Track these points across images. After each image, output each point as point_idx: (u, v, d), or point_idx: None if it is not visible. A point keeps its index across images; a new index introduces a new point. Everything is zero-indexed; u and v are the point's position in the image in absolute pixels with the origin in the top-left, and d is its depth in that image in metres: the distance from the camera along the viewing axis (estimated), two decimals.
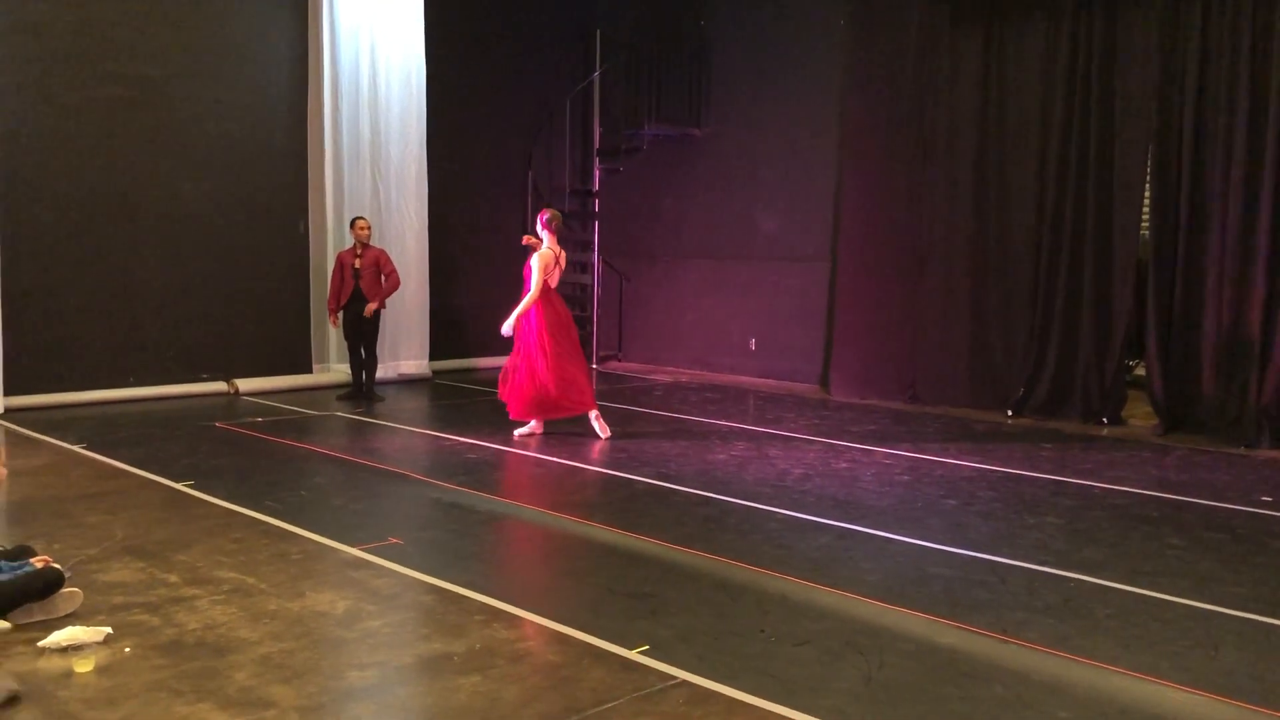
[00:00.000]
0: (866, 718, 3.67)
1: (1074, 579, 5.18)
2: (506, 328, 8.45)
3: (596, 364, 13.64)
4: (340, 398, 10.47)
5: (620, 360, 13.96)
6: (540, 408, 8.50)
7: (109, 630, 4.24)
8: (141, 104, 10.32)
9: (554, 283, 8.56)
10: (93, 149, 10.10)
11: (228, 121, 10.86)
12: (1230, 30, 8.70)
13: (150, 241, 10.44)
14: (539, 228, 8.54)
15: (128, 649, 4.15)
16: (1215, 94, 8.81)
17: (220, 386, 10.77)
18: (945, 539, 5.87)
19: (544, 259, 8.40)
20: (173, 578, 5.02)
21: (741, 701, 3.76)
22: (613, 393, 11.52)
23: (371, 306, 10.35)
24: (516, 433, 8.62)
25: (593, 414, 8.60)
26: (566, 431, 8.83)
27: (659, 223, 13.62)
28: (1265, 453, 8.32)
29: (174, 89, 10.50)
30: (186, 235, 10.65)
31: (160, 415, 9.51)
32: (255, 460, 7.75)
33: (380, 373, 10.93)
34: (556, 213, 8.64)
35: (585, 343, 13.99)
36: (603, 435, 8.54)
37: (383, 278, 10.41)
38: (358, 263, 10.36)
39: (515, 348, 8.58)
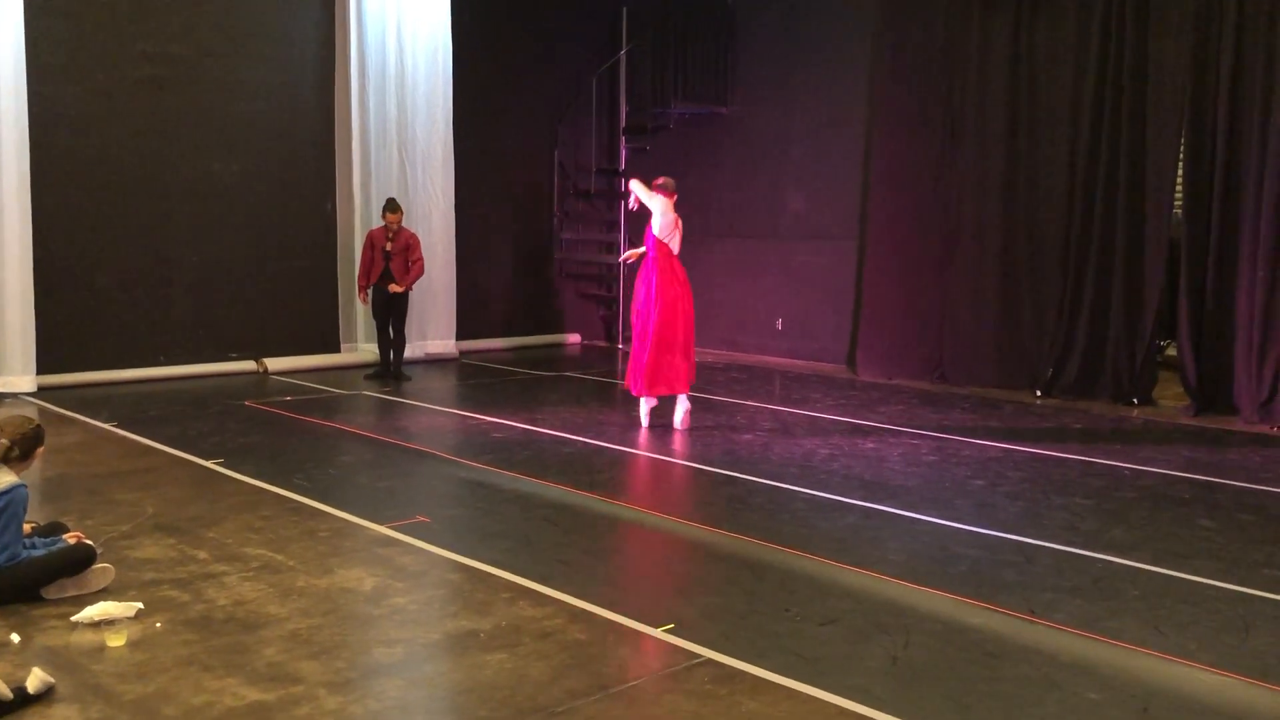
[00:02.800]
0: (892, 697, 3.66)
1: (1102, 560, 5.14)
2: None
3: (623, 344, 13.63)
4: (368, 376, 10.53)
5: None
6: (649, 379, 8.03)
7: (140, 605, 4.30)
8: (172, 84, 10.37)
9: (676, 248, 8.24)
10: (124, 129, 10.17)
11: (257, 101, 10.90)
12: (1266, 10, 8.54)
13: (180, 221, 10.52)
14: (650, 190, 8.15)
15: (159, 624, 4.20)
16: (1250, 73, 8.66)
17: (249, 365, 10.85)
18: (972, 519, 5.84)
19: (664, 221, 8.08)
20: (202, 554, 5.07)
21: (767, 680, 3.76)
22: None
23: (396, 287, 10.43)
24: (644, 415, 8.16)
25: (681, 398, 8.16)
26: (592, 414, 8.83)
27: (685, 202, 13.36)
28: None
29: (204, 69, 10.55)
30: (216, 215, 10.72)
31: (190, 394, 9.59)
32: (284, 439, 7.81)
33: (408, 352, 10.94)
34: (669, 179, 8.33)
35: (610, 324, 14.03)
36: (678, 425, 8.11)
37: (410, 263, 10.47)
38: (389, 245, 10.42)
39: (640, 314, 8.20)
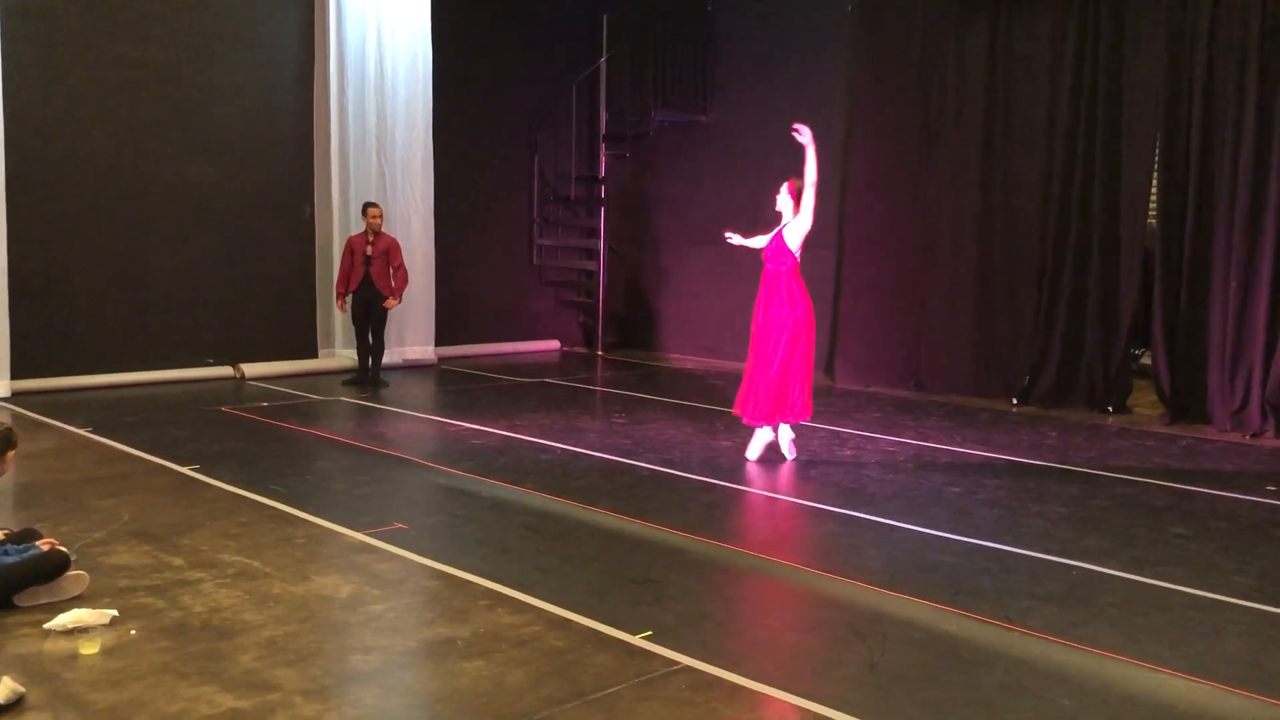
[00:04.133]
0: (869, 704, 3.67)
1: (1077, 567, 5.18)
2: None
3: (603, 351, 13.65)
4: (346, 382, 10.48)
5: (626, 347, 13.95)
6: (775, 406, 7.24)
7: (114, 613, 4.27)
8: (149, 87, 10.32)
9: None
10: (100, 132, 10.11)
11: (234, 105, 10.86)
12: (1240, 20, 8.65)
13: (157, 225, 10.46)
14: (786, 196, 7.26)
15: (133, 631, 4.17)
16: (1223, 84, 8.76)
17: (226, 371, 10.79)
18: (949, 526, 5.87)
19: (802, 229, 7.20)
20: (178, 561, 5.04)
21: (744, 687, 3.77)
22: (619, 379, 11.54)
23: (392, 302, 10.40)
24: (758, 447, 7.33)
25: (782, 429, 7.35)
26: (571, 421, 8.84)
27: (665, 209, 13.60)
28: (1270, 442, 8.31)
29: (181, 72, 10.51)
30: (193, 219, 10.67)
31: (166, 399, 9.53)
32: (261, 445, 7.77)
33: (386, 358, 10.87)
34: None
35: (590, 330, 14.03)
36: (789, 455, 7.31)
37: (392, 270, 10.38)
38: (370, 249, 10.33)
39: (760, 343, 7.28)
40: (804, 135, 7.18)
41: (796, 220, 7.20)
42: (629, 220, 13.82)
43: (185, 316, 10.65)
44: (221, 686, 3.70)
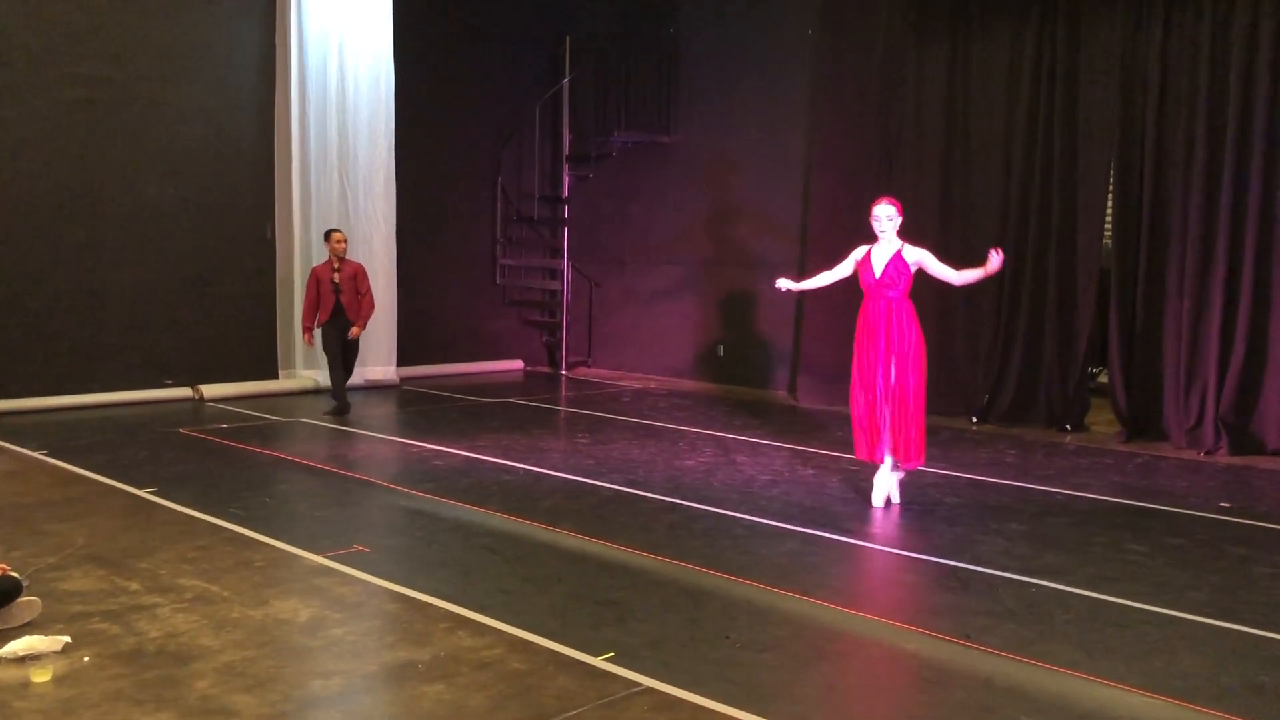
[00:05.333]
0: None
1: (1036, 584, 5.23)
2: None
3: (566, 370, 13.64)
4: (327, 413, 9.99)
5: (590, 366, 13.96)
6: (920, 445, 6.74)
7: (68, 639, 4.20)
8: (107, 106, 10.23)
9: None
10: (57, 151, 10.00)
11: (194, 124, 10.78)
12: (1189, 46, 8.83)
13: (114, 245, 10.35)
14: (895, 215, 6.69)
15: (86, 658, 4.11)
16: (1175, 109, 8.94)
17: (185, 392, 10.67)
18: (910, 545, 5.91)
19: (924, 254, 6.70)
20: (134, 585, 4.97)
21: (706, 708, 3.77)
22: (583, 399, 11.53)
23: (356, 330, 10.07)
24: (892, 494, 6.74)
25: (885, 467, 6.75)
26: (534, 441, 8.83)
27: (629, 229, 13.64)
28: (1224, 459, 8.44)
29: (140, 91, 10.42)
30: (151, 239, 10.57)
31: (123, 421, 9.41)
32: (220, 467, 7.69)
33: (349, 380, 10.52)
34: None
35: (554, 350, 14.03)
36: (876, 500, 6.73)
37: (359, 297, 10.06)
38: (337, 277, 9.97)
39: (890, 374, 6.59)
40: (994, 262, 6.62)
41: (915, 248, 6.66)
42: (592, 240, 13.84)
43: (143, 337, 10.53)
44: (178, 713, 3.65)
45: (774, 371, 12.01)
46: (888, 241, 6.68)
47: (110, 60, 10.23)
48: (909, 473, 6.93)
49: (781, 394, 11.73)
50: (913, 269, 6.66)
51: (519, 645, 4.32)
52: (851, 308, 10.75)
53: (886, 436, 6.65)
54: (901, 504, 6.79)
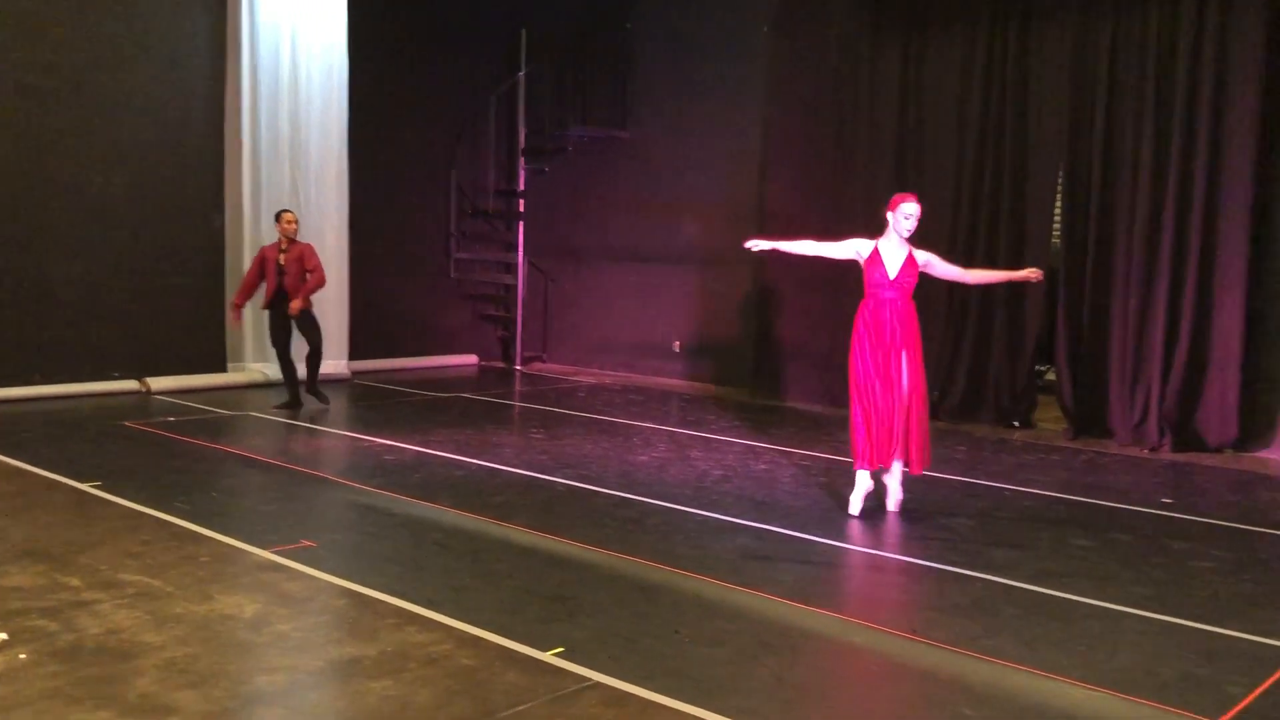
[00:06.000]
0: (778, 716, 3.70)
1: (982, 579, 5.28)
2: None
3: (521, 365, 13.60)
4: (277, 407, 9.81)
5: (545, 361, 13.93)
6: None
7: (4, 636, 4.12)
8: (52, 94, 10.04)
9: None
10: (1, 139, 9.79)
11: (142, 114, 10.62)
12: (1138, 49, 8.97)
13: (59, 235, 10.17)
14: (918, 213, 6.35)
15: (23, 655, 4.02)
16: (1123, 110, 9.08)
17: (132, 385, 10.50)
18: (859, 540, 5.96)
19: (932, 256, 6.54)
20: (74, 581, 4.88)
21: (655, 702, 3.77)
22: (537, 394, 11.50)
23: (296, 305, 9.58)
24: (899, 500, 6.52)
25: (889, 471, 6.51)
26: (487, 436, 8.79)
27: (584, 224, 13.61)
28: (1167, 456, 8.60)
29: (87, 80, 10.24)
30: (98, 229, 10.39)
31: (68, 414, 9.24)
32: (166, 461, 7.57)
33: (302, 372, 10.05)
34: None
35: (509, 345, 13.98)
36: (891, 505, 6.55)
37: (306, 274, 9.71)
38: (283, 258, 9.63)
39: (907, 378, 6.29)
40: (1028, 274, 6.58)
41: (921, 250, 6.43)
42: (548, 234, 13.80)
43: (89, 329, 10.35)
44: (117, 711, 3.59)
45: (729, 367, 12.04)
46: (899, 241, 6.35)
47: (55, 48, 10.04)
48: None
49: (737, 389, 11.77)
50: (921, 270, 6.42)
51: (468, 641, 4.30)
52: (805, 307, 10.93)
53: (902, 439, 6.29)
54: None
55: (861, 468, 6.36)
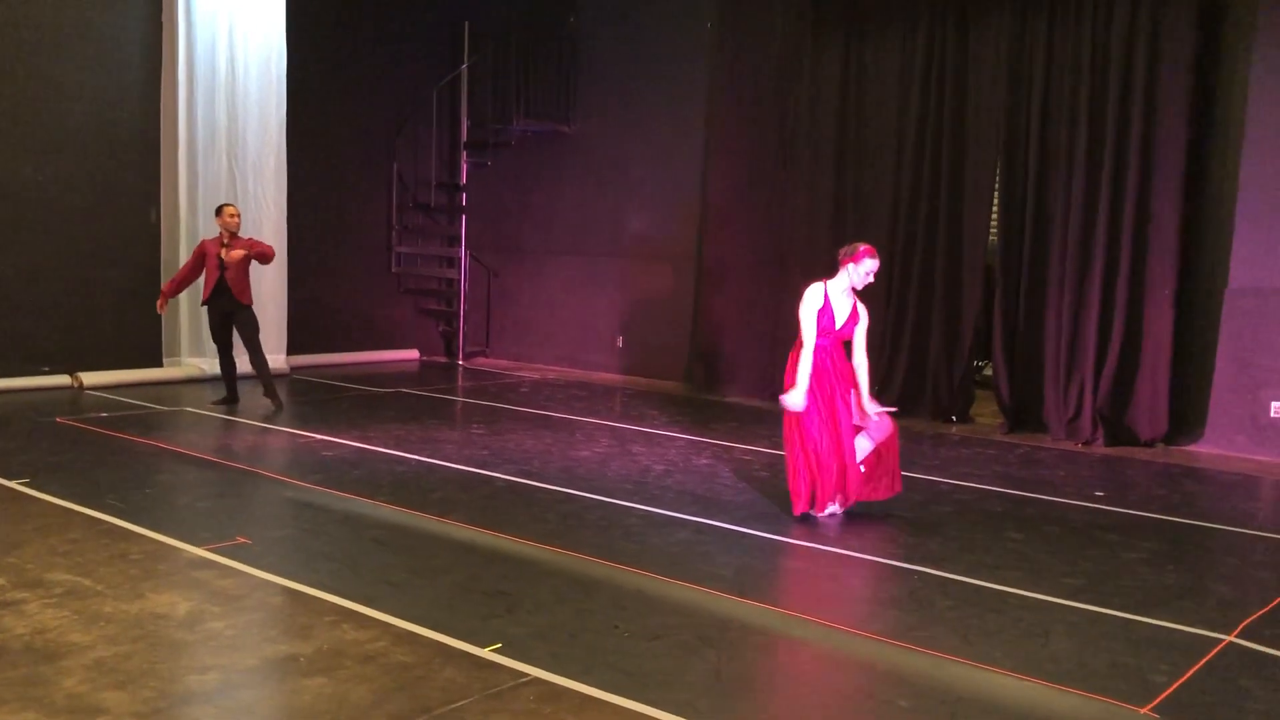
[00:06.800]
0: (714, 711, 3.72)
1: (918, 571, 5.35)
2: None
3: (463, 360, 13.52)
4: (215, 403, 9.64)
5: (487, 356, 13.86)
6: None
7: None
8: None
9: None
10: None
11: (74, 103, 10.37)
12: (1072, 46, 9.13)
13: None
14: (873, 268, 6.24)
15: None
16: (1058, 108, 9.24)
17: (64, 380, 10.27)
18: (799, 534, 6.00)
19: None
20: (0, 580, 4.77)
21: (592, 697, 3.77)
22: (479, 389, 11.44)
23: (236, 254, 9.25)
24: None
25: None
26: (428, 432, 8.73)
27: (528, 218, 13.57)
28: (1100, 450, 8.77)
29: (17, 68, 9.98)
30: (28, 220, 10.13)
31: None
32: (97, 457, 7.42)
33: (241, 367, 9.88)
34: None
35: (450, 340, 13.89)
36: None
37: (249, 262, 9.46)
38: (224, 253, 9.40)
39: (835, 419, 6.24)
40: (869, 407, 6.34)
41: (863, 308, 6.37)
42: (490, 229, 13.73)
43: (18, 322, 10.09)
44: (43, 713, 3.51)
45: (672, 362, 12.07)
46: (848, 290, 6.28)
47: None
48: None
49: (678, 384, 11.80)
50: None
51: (405, 637, 4.26)
52: (745, 302, 10.98)
53: (840, 482, 6.26)
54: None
55: (802, 510, 6.26)
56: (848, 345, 6.39)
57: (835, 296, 6.27)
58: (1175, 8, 8.66)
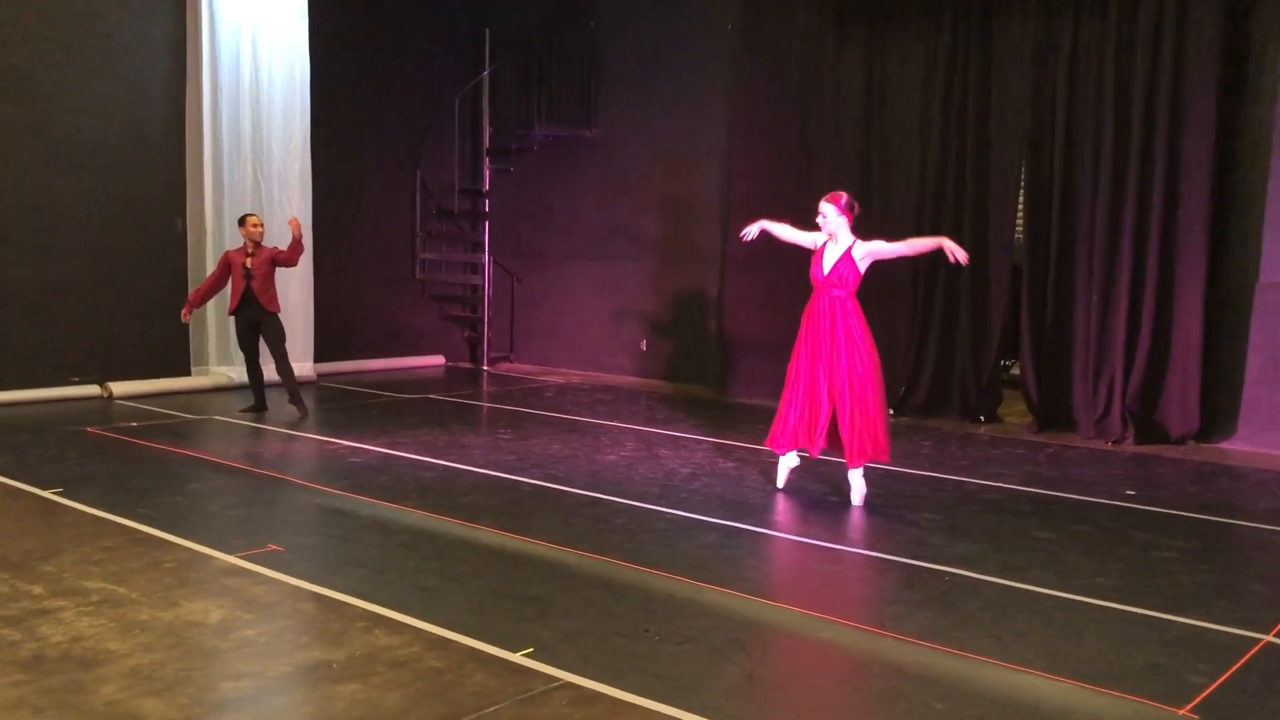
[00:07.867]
0: (746, 714, 3.72)
1: (949, 573, 5.32)
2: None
3: (488, 365, 13.56)
4: (243, 410, 9.71)
5: (512, 361, 13.90)
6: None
7: None
8: (8, 95, 9.89)
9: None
10: None
11: (101, 115, 10.48)
12: (1097, 43, 9.07)
13: (18, 238, 10.02)
14: (837, 214, 6.54)
15: None
16: (1083, 105, 9.18)
17: (93, 390, 10.37)
18: (827, 535, 5.98)
19: (875, 249, 6.58)
20: (37, 589, 4.82)
21: (625, 701, 3.77)
22: (504, 394, 11.47)
23: (295, 220, 9.52)
24: (861, 494, 6.64)
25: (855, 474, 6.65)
26: (454, 437, 8.76)
27: (550, 223, 13.59)
28: (1130, 449, 8.70)
29: (43, 80, 10.09)
30: (57, 232, 10.24)
31: (28, 420, 9.12)
32: (129, 466, 7.49)
33: (268, 376, 9.93)
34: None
35: (475, 345, 13.93)
36: (855, 499, 6.65)
37: (275, 269, 9.52)
38: (249, 263, 9.43)
39: (841, 372, 6.47)
40: (954, 251, 6.40)
41: (864, 243, 6.53)
42: (513, 234, 13.77)
43: (49, 333, 10.21)
44: None
45: (696, 366, 12.06)
46: (840, 239, 6.55)
47: (12, 47, 9.88)
48: (866, 468, 6.72)
49: (704, 387, 11.79)
50: (862, 268, 6.51)
51: (436, 643, 4.28)
52: (771, 304, 10.96)
53: (815, 431, 6.53)
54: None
55: (770, 446, 6.80)
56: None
57: (829, 248, 6.62)
58: (1201, 4, 8.58)
